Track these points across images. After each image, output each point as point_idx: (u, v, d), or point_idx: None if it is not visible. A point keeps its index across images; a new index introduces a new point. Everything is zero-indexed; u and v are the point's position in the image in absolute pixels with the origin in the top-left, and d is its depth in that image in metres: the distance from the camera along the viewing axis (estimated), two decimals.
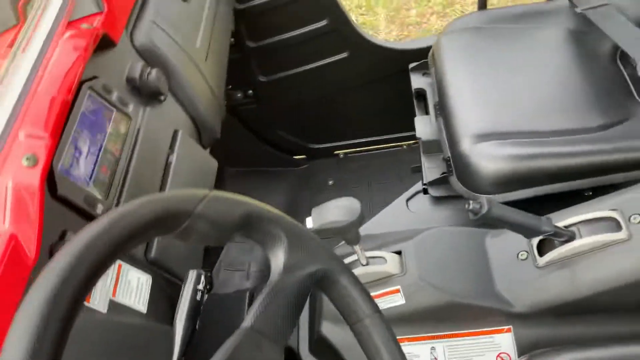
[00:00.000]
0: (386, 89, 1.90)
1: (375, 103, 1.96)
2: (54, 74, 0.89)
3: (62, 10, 0.93)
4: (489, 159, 1.29)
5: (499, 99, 1.39)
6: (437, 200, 1.49)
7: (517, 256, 1.05)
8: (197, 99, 1.26)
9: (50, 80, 0.88)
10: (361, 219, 0.93)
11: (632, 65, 1.44)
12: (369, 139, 2.10)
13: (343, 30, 1.78)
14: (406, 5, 3.07)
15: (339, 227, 0.95)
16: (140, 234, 0.51)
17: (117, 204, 0.95)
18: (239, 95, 1.92)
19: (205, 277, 1.01)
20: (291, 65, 1.87)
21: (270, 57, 1.84)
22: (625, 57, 1.44)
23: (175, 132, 1.15)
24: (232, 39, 1.66)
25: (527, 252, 1.04)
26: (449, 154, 1.39)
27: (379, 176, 2.05)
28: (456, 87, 1.45)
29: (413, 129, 1.95)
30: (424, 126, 1.58)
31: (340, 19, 1.76)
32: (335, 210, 0.95)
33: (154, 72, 1.12)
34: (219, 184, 2.00)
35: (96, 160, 0.96)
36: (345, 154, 2.14)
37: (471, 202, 0.97)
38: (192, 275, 0.98)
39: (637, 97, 1.38)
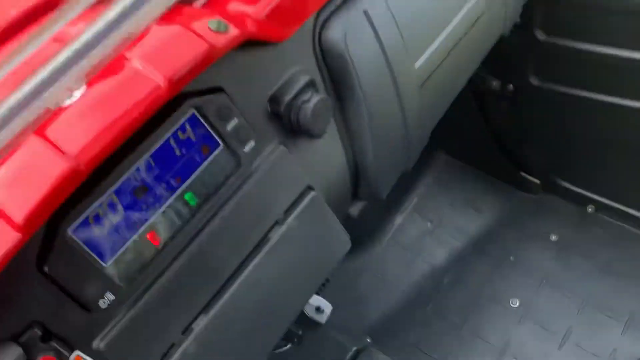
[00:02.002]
0: None
1: None
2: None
3: None
4: None
5: None
6: None
7: None
8: (377, 143, 0.84)
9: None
10: None
11: None
12: None
13: None
14: None
15: None
16: None
17: (136, 301, 0.65)
18: (494, 84, 1.40)
19: None
20: (584, 86, 1.27)
21: (559, 61, 1.26)
22: None
23: (305, 192, 0.77)
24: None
25: None
26: None
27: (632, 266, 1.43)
28: None
29: None
30: None
31: None
32: None
33: (314, 104, 0.73)
34: (422, 168, 1.61)
35: (145, 220, 0.65)
36: (598, 210, 1.53)
37: None
38: None
39: None
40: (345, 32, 0.77)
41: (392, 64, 0.81)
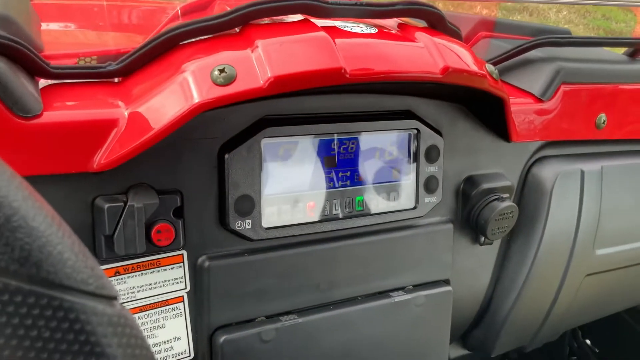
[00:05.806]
0: None
1: None
2: None
3: None
4: None
5: None
6: None
7: None
8: (524, 292, 0.79)
9: None
10: None
11: None
12: None
13: None
14: None
15: None
16: None
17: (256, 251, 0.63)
18: None
19: None
20: None
21: None
22: None
23: (442, 282, 0.72)
24: None
25: None
26: None
27: None
28: None
29: None
30: None
31: None
32: None
33: (504, 207, 0.73)
34: None
35: (317, 187, 0.64)
36: None
37: None
38: None
39: None
40: (557, 177, 0.77)
41: (580, 230, 0.79)
